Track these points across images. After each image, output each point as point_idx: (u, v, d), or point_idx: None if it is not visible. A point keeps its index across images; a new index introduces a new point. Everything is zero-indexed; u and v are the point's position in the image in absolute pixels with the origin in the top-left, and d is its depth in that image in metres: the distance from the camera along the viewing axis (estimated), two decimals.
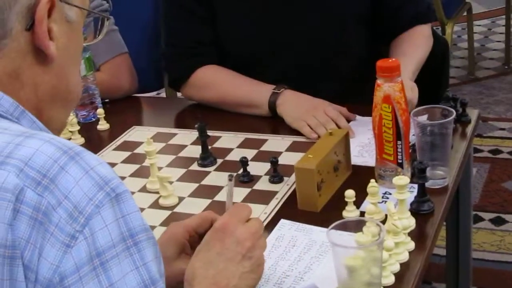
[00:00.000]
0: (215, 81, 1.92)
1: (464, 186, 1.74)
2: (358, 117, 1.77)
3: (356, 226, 1.11)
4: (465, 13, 3.99)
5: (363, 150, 1.63)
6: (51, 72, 0.93)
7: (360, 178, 1.47)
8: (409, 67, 1.75)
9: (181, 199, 1.52)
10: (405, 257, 1.23)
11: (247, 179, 1.56)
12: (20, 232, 0.76)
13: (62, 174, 0.79)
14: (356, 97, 1.81)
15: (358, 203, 1.38)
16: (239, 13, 1.89)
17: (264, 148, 1.71)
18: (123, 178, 1.64)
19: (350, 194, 1.35)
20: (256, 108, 1.86)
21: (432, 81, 2.08)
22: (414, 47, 1.89)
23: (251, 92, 1.87)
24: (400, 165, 1.43)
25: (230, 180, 1.17)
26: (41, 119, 0.93)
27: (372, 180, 1.35)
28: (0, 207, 0.77)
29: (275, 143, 1.72)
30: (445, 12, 3.66)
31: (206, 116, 1.88)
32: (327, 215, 1.38)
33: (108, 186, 0.80)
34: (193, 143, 1.75)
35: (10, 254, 0.76)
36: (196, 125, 1.66)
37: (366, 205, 1.34)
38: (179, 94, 2.15)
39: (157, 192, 1.54)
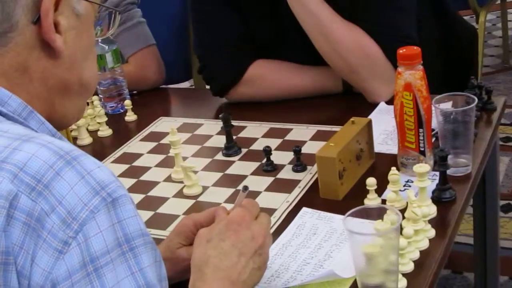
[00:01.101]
0: (273, 74, 1.89)
1: (490, 175, 1.73)
2: (383, 104, 1.76)
3: (374, 213, 1.11)
4: (498, 1, 3.94)
5: (387, 138, 1.63)
6: (61, 66, 0.93)
7: (383, 166, 1.47)
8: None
9: (205, 188, 1.54)
10: (425, 244, 1.23)
11: (271, 168, 1.57)
12: (14, 238, 0.76)
13: (57, 180, 0.78)
14: None
15: (380, 191, 1.38)
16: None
17: (288, 137, 1.71)
18: (148, 168, 1.66)
19: (371, 182, 1.35)
20: (329, 90, 1.88)
21: (461, 69, 2.07)
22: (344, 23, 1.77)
23: (319, 76, 1.87)
24: (422, 153, 1.42)
25: (243, 191, 1.17)
26: (55, 112, 0.94)
27: (393, 168, 1.35)
28: None
29: (300, 132, 1.73)
30: (478, 1, 3.62)
31: (232, 106, 1.90)
32: (348, 203, 1.37)
33: (104, 191, 0.79)
34: (218, 133, 1.76)
35: (4, 260, 0.76)
36: (220, 115, 1.67)
37: (388, 193, 1.34)
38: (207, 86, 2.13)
39: (182, 182, 1.56)
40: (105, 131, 1.89)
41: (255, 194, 1.48)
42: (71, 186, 0.78)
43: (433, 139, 1.48)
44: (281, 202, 1.44)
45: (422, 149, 1.42)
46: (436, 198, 1.35)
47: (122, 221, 0.80)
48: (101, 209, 0.78)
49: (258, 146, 1.68)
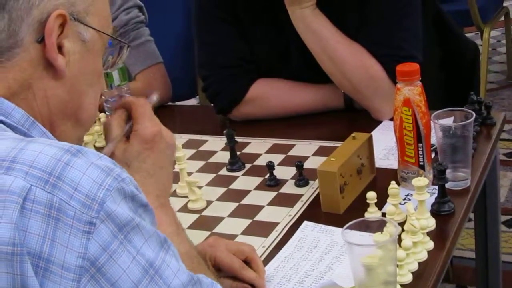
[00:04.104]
0: (275, 93, 1.92)
1: (490, 189, 1.75)
2: (386, 121, 1.80)
3: (373, 226, 1.14)
4: (502, 18, 3.97)
5: (389, 153, 1.66)
6: (62, 87, 0.98)
7: (384, 180, 1.49)
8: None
9: (209, 203, 1.57)
10: (423, 256, 1.26)
11: (274, 183, 1.60)
12: (34, 229, 0.81)
13: (68, 169, 0.84)
14: None
15: (381, 204, 1.41)
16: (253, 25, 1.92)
17: (291, 153, 1.75)
18: None
19: (371, 195, 1.38)
20: (331, 107, 1.91)
21: (462, 85, 2.10)
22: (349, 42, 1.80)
23: (320, 94, 1.91)
24: (422, 167, 1.45)
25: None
26: (54, 134, 0.98)
27: (393, 182, 1.38)
28: (7, 208, 0.82)
29: (303, 147, 1.76)
30: (482, 17, 3.65)
31: (236, 123, 1.93)
32: (349, 216, 1.39)
33: (113, 172, 0.86)
34: (223, 149, 1.80)
35: (19, 251, 0.81)
36: (224, 132, 1.71)
37: (388, 207, 1.36)
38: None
39: (186, 196, 1.59)
40: None
41: (258, 209, 1.51)
42: (83, 172, 0.84)
43: (433, 154, 1.51)
44: (284, 216, 1.47)
45: (421, 163, 1.45)
46: (435, 211, 1.38)
47: (134, 195, 0.88)
48: (114, 187, 0.85)
49: (261, 161, 1.71)
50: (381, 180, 1.54)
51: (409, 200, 1.44)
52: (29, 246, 0.81)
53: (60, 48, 0.96)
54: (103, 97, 2.00)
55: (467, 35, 2.89)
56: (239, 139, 1.75)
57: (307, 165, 1.62)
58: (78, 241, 0.82)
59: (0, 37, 0.93)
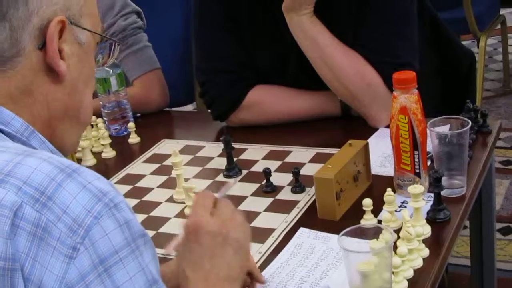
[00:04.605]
0: (272, 99, 1.93)
1: (486, 197, 1.76)
2: (382, 128, 1.80)
3: (369, 232, 1.15)
4: (499, 26, 3.99)
5: (385, 161, 1.67)
6: (63, 90, 0.99)
7: (380, 187, 1.50)
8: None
9: None
10: (419, 263, 1.26)
11: (270, 190, 1.61)
12: (20, 246, 0.81)
13: (60, 191, 0.83)
14: None
15: (377, 211, 1.41)
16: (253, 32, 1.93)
17: (288, 159, 1.75)
18: (151, 189, 1.70)
19: (367, 203, 1.39)
20: (328, 114, 1.92)
21: (458, 92, 2.11)
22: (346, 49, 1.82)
23: (317, 101, 1.92)
24: (418, 174, 1.46)
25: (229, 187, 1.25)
26: (54, 137, 0.99)
27: (389, 189, 1.39)
28: None
29: (299, 154, 1.77)
30: (478, 25, 3.67)
31: (233, 129, 1.94)
32: (345, 223, 1.40)
33: (106, 197, 0.85)
34: (220, 155, 1.80)
35: (10, 266, 0.81)
36: (221, 138, 1.72)
37: (383, 214, 1.37)
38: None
39: (183, 202, 1.60)
40: (109, 153, 1.93)
41: (254, 215, 1.52)
42: (74, 196, 0.83)
43: (429, 161, 1.52)
44: (280, 222, 1.48)
45: (417, 170, 1.46)
46: (431, 218, 1.38)
47: (128, 222, 0.85)
48: (104, 214, 0.83)
49: (258, 168, 1.72)
50: (377, 187, 1.54)
51: (405, 207, 1.44)
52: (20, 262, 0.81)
53: (60, 53, 0.96)
54: (100, 103, 2.01)
55: (464, 42, 2.89)
56: (236, 145, 1.75)
57: (303, 171, 1.62)
58: (59, 264, 0.81)
59: (3, 47, 0.93)
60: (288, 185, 1.62)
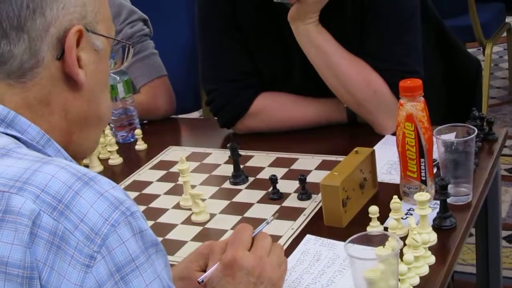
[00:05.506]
0: (278, 107, 1.94)
1: (492, 204, 1.76)
2: (389, 136, 1.81)
3: (375, 240, 1.16)
4: (504, 34, 3.99)
5: (391, 168, 1.67)
6: (81, 98, 1.00)
7: (386, 195, 1.50)
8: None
9: (212, 215, 1.58)
10: (425, 270, 1.27)
11: (277, 197, 1.61)
12: (38, 255, 0.82)
13: (77, 199, 0.84)
14: None
15: (383, 219, 1.42)
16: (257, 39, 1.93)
17: (294, 166, 1.76)
18: (158, 195, 1.71)
19: (373, 210, 1.39)
20: (334, 121, 1.93)
21: (464, 100, 2.11)
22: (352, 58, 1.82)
23: (323, 108, 1.92)
24: (424, 182, 1.46)
25: (267, 222, 1.27)
26: (71, 142, 1.00)
27: (395, 197, 1.39)
28: (17, 231, 0.82)
29: (306, 161, 1.77)
30: (484, 33, 3.67)
31: (240, 136, 1.94)
32: (352, 230, 1.40)
33: (123, 206, 0.85)
34: (226, 162, 1.81)
35: (28, 274, 0.81)
36: (228, 145, 1.72)
37: (390, 221, 1.38)
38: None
39: (190, 209, 1.60)
40: (116, 159, 1.94)
41: (261, 222, 1.51)
42: (91, 204, 0.84)
43: (435, 169, 1.52)
44: (286, 229, 1.48)
45: (423, 178, 1.46)
46: (437, 226, 1.39)
47: (142, 231, 0.86)
48: (121, 222, 0.84)
49: (264, 175, 1.72)
50: (383, 195, 1.55)
51: (411, 214, 1.45)
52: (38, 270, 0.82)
53: (78, 61, 0.97)
54: None
55: (470, 50, 2.90)
56: (242, 152, 1.76)
57: (310, 179, 1.63)
58: (76, 273, 0.82)
59: (23, 58, 0.94)
60: (295, 192, 1.62)
